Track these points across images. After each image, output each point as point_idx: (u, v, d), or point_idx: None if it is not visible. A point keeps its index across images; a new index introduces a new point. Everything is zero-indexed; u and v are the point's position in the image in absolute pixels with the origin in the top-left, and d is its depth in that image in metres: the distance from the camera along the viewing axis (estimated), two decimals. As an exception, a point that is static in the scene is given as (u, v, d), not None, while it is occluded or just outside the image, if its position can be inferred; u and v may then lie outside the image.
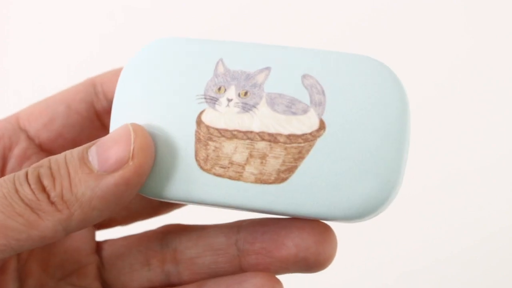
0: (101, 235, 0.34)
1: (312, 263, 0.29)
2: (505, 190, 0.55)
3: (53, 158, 0.26)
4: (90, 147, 0.26)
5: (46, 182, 0.25)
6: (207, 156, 0.26)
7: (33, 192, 0.25)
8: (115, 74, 0.32)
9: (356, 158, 0.26)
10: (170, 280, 0.31)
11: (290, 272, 0.30)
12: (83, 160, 0.25)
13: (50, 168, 0.26)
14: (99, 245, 0.33)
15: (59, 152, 0.32)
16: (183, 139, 0.27)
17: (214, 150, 0.26)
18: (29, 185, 0.25)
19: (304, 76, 0.26)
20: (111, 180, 0.25)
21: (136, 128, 0.26)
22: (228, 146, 0.26)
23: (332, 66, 0.26)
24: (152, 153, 0.26)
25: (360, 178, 0.26)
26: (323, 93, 0.26)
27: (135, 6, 0.61)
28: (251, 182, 0.26)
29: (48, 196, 0.25)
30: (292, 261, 0.29)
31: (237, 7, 0.60)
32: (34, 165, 0.26)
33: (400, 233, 0.54)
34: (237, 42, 0.28)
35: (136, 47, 0.34)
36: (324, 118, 0.26)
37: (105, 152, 0.25)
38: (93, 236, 0.33)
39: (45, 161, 0.26)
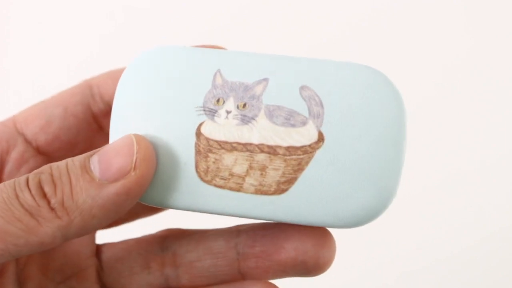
0: (101, 237, 0.34)
1: (311, 267, 0.29)
2: (501, 190, 0.56)
3: (54, 165, 0.26)
4: (92, 155, 0.26)
5: (47, 189, 0.25)
6: (207, 168, 0.26)
7: (34, 198, 0.25)
8: (112, 75, 0.32)
9: (355, 169, 0.26)
10: (169, 284, 0.32)
11: (289, 276, 0.30)
12: (85, 168, 0.25)
13: (51, 174, 0.26)
14: (98, 248, 0.33)
15: (57, 155, 0.32)
16: (183, 150, 0.27)
17: (214, 162, 0.26)
18: (30, 191, 0.25)
19: (302, 88, 0.26)
20: (112, 189, 0.25)
21: (139, 139, 0.26)
22: (228, 158, 0.26)
23: (329, 77, 0.26)
24: (154, 164, 0.26)
25: (358, 188, 0.26)
26: (321, 104, 0.26)
27: (135, 7, 0.61)
28: (251, 193, 0.26)
29: (49, 203, 0.25)
30: (291, 265, 0.29)
31: (237, 8, 0.60)
32: (35, 171, 0.26)
33: (399, 234, 0.54)
34: (235, 52, 0.28)
35: (136, 48, 0.34)
36: (322, 129, 0.26)
37: (107, 161, 0.25)
38: (93, 239, 0.33)
39: (46, 167, 0.26)
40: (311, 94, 0.26)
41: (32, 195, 0.25)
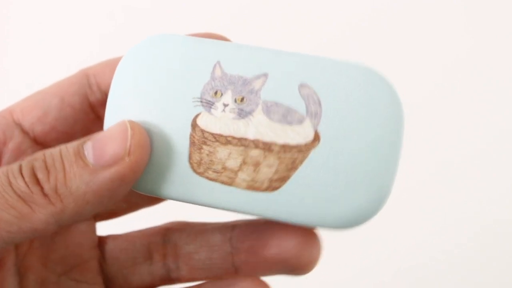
0: (103, 229, 0.34)
1: (293, 266, 0.29)
2: (497, 190, 0.55)
3: (47, 151, 0.26)
4: (85, 141, 0.26)
5: (40, 175, 0.25)
6: (201, 159, 0.26)
7: (27, 185, 0.25)
8: (108, 65, 0.32)
9: (349, 170, 0.26)
10: (171, 275, 0.32)
11: (275, 274, 0.30)
12: (79, 154, 0.25)
13: (44, 161, 0.25)
14: (102, 240, 0.33)
15: (54, 145, 0.32)
16: (178, 141, 0.26)
17: (208, 155, 0.26)
18: (23, 177, 0.25)
19: (301, 85, 0.26)
20: (106, 175, 0.25)
21: (133, 125, 0.26)
22: (222, 152, 0.26)
23: (329, 76, 0.26)
24: (148, 151, 0.26)
25: (352, 190, 0.26)
26: (319, 103, 0.26)
27: (135, 6, 0.61)
28: (243, 188, 0.26)
29: (42, 189, 0.25)
30: (275, 262, 0.29)
31: (237, 7, 0.60)
32: (28, 158, 0.26)
33: (395, 231, 0.54)
34: (235, 44, 0.27)
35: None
36: (319, 129, 0.26)
37: (101, 147, 0.25)
38: (94, 230, 0.33)
39: (39, 154, 0.26)
40: (310, 92, 0.26)
41: (25, 182, 0.25)
